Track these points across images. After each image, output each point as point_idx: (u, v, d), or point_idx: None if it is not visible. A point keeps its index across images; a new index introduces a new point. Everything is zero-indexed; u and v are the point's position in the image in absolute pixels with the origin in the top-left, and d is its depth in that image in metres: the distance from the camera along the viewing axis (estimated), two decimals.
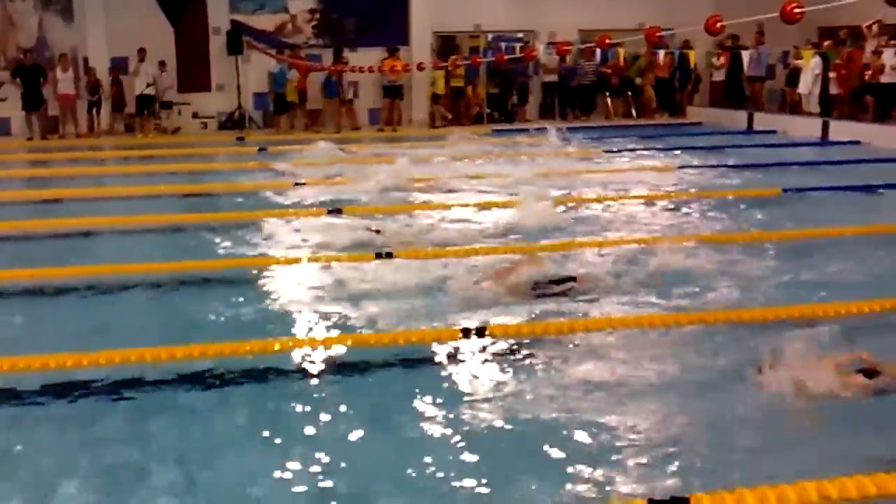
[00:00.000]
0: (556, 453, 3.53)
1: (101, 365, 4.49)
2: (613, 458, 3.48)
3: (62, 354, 4.52)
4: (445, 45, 19.45)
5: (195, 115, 18.70)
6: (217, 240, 7.90)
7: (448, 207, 9.13)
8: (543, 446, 3.57)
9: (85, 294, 6.11)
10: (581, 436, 3.65)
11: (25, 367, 4.54)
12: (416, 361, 4.68)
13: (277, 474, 3.43)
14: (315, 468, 3.49)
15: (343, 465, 3.52)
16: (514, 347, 4.79)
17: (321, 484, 3.37)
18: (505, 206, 9.02)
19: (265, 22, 18.69)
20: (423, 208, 9.31)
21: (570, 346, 4.78)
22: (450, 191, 10.31)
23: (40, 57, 18.28)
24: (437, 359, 4.69)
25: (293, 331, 5.26)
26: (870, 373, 4.06)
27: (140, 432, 3.85)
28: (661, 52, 18.88)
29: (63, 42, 18.43)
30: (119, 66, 18.30)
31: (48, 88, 18.06)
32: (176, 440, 3.79)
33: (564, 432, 3.68)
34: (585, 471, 3.37)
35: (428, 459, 3.48)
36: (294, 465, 3.50)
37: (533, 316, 5.33)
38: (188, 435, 3.86)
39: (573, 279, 5.80)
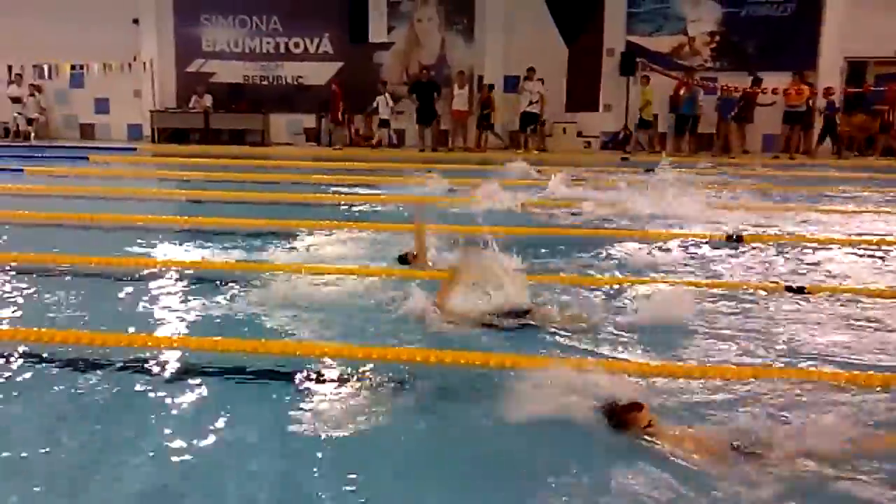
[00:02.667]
0: None
1: None
2: None
3: None
4: (855, 71, 20.07)
5: (580, 135, 20.48)
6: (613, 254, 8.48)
7: None
8: None
9: None
10: None
11: None
12: None
13: None
14: None
15: None
16: None
17: None
18: None
19: (661, 44, 20.32)
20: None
21: None
22: None
23: (439, 74, 20.89)
24: None
25: None
26: None
27: None
28: None
29: (461, 60, 20.99)
30: (511, 85, 20.55)
31: (441, 104, 20.56)
32: None
33: None
34: None
35: None
36: None
37: None
38: None
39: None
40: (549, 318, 5.72)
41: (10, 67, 21.36)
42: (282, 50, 21.58)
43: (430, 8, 21.03)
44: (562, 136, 20.46)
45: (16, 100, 21.65)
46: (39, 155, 18.84)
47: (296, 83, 21.38)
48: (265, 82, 21.63)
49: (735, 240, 9.03)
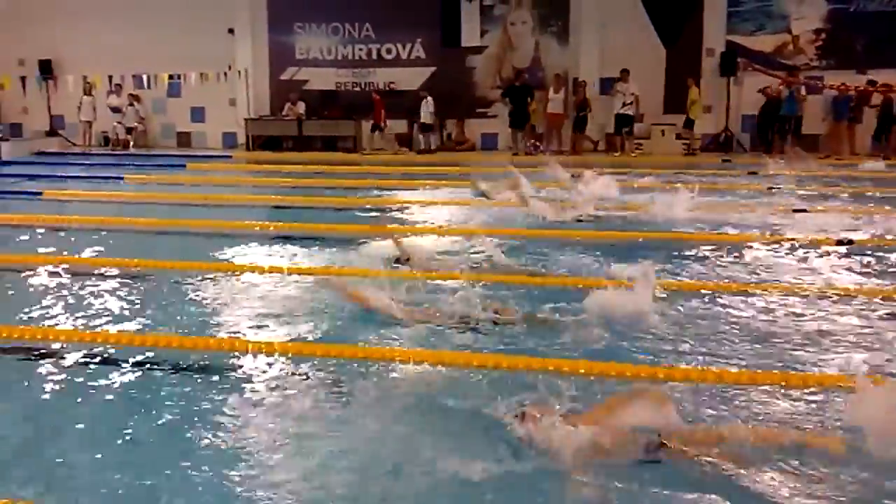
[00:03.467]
0: None
1: None
2: None
3: None
4: None
5: (678, 137, 20.43)
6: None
7: None
8: None
9: None
10: None
11: None
12: None
13: None
14: None
15: None
16: None
17: None
18: None
19: (763, 43, 20.17)
20: None
21: None
22: None
23: (533, 77, 21.13)
24: None
25: None
26: None
27: None
28: None
29: (556, 63, 21.19)
30: (606, 87, 20.64)
31: (535, 107, 20.77)
32: None
33: None
34: None
35: None
36: None
37: None
38: None
39: None
40: None
41: (110, 78, 22.38)
42: (374, 56, 22.12)
43: (524, 11, 21.31)
44: (660, 139, 20.43)
45: (116, 109, 22.67)
46: (138, 163, 19.72)
47: (388, 89, 21.84)
48: (357, 88, 22.19)
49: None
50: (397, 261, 8.11)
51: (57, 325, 6.57)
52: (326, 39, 22.24)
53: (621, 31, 20.49)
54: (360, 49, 22.17)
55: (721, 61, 20.16)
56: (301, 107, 21.92)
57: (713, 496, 3.66)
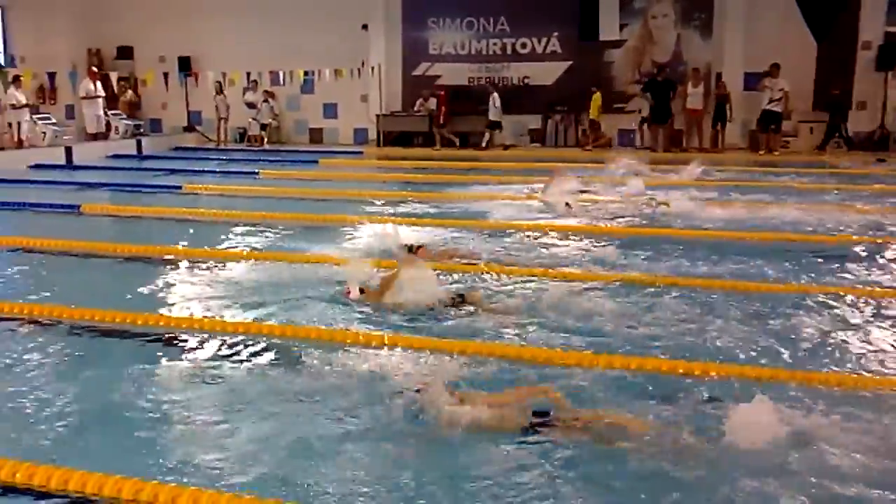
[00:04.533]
0: None
1: None
2: None
3: None
4: None
5: (832, 135, 19.98)
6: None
7: None
8: None
9: None
10: None
11: None
12: None
13: None
14: None
15: None
16: None
17: None
18: None
19: None
20: None
21: None
22: None
23: (673, 72, 21.07)
24: None
25: None
26: None
27: None
28: None
29: (698, 57, 21.09)
30: (750, 82, 20.39)
31: (676, 103, 20.69)
32: None
33: None
34: None
35: None
36: None
37: None
38: None
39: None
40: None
41: (248, 74, 23.43)
42: (508, 51, 22.47)
43: (666, 4, 21.32)
44: (808, 136, 20.06)
45: (251, 106, 23.68)
46: (272, 159, 20.55)
47: (522, 84, 22.13)
48: (491, 84, 22.55)
49: None
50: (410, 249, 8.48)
51: (192, 313, 6.93)
52: (460, 34, 22.72)
53: (769, 23, 20.27)
54: (494, 44, 22.56)
55: (878, 55, 19.66)
56: (433, 103, 22.42)
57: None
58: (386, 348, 5.86)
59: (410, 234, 9.73)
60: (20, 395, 5.15)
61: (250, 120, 23.74)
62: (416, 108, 22.80)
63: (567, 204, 11.83)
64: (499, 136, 21.93)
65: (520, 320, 6.47)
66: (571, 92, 21.33)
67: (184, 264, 8.72)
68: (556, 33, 22.03)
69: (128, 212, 12.48)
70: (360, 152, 22.21)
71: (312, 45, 22.62)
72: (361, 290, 7.08)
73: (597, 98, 21.14)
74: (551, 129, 22.13)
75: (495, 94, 21.51)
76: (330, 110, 24.01)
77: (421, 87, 22.74)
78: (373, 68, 23.02)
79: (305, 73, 23.14)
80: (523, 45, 22.38)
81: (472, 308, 6.73)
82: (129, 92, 24.41)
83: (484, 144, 21.85)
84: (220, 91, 23.71)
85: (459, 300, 6.82)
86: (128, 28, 24.76)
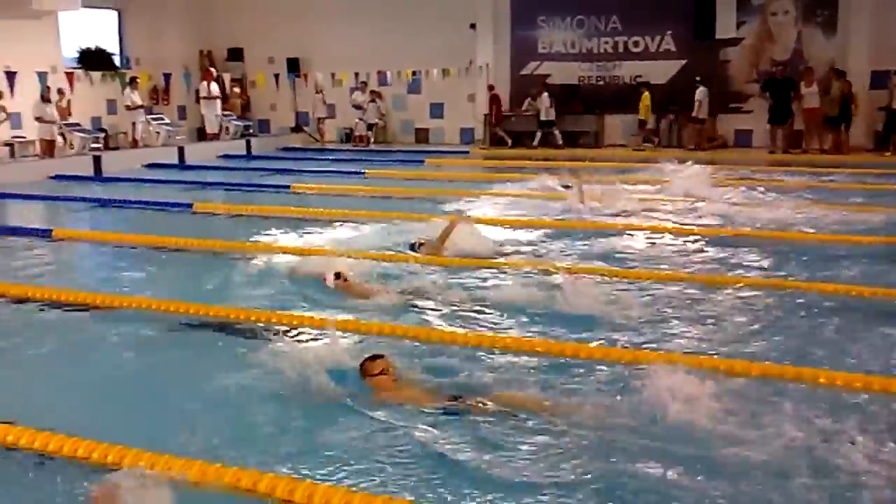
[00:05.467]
0: None
1: None
2: None
3: None
4: None
5: None
6: None
7: None
8: None
9: None
10: None
11: None
12: None
13: None
14: None
15: None
16: None
17: None
18: None
19: None
20: None
21: None
22: None
23: (793, 70, 20.71)
24: None
25: None
26: None
27: None
28: None
29: (820, 55, 20.71)
30: (878, 82, 19.90)
31: (796, 103, 20.33)
32: None
33: None
34: None
35: None
36: None
37: None
38: None
39: None
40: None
41: (356, 74, 24.02)
42: (620, 49, 22.49)
43: (787, 0, 20.97)
44: None
45: (358, 106, 24.24)
46: (378, 159, 21.00)
47: (633, 83, 22.10)
48: (601, 83, 22.62)
49: None
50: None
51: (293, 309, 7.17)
52: (570, 33, 22.84)
53: None
54: (606, 42, 22.61)
55: None
56: (543, 100, 22.55)
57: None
58: None
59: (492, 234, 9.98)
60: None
61: (357, 120, 24.30)
62: (524, 108, 22.98)
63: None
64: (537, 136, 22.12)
65: None
66: (685, 91, 21.16)
67: (295, 261, 8.99)
68: (669, 31, 21.95)
69: (238, 210, 13.01)
70: (467, 152, 22.50)
71: (420, 44, 23.08)
72: (337, 277, 7.46)
73: (645, 98, 21.26)
74: (664, 128, 21.99)
75: (545, 95, 21.93)
76: (436, 110, 24.42)
77: (529, 86, 22.94)
78: (480, 67, 23.29)
79: (413, 73, 23.59)
80: (636, 44, 22.37)
81: None
82: (237, 90, 25.22)
83: (535, 143, 22.34)
84: (317, 90, 24.38)
85: None
86: (238, 30, 25.67)
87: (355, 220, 11.47)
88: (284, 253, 9.37)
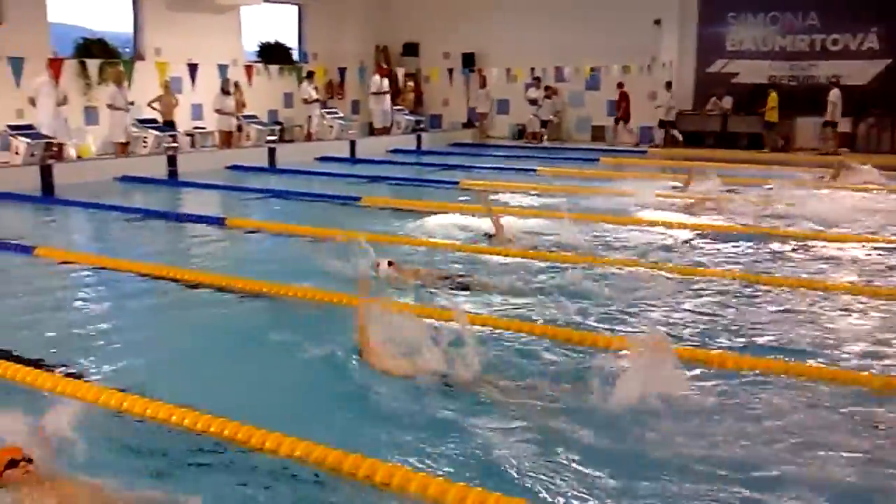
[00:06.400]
0: None
1: None
2: None
3: None
4: None
5: None
6: None
7: None
8: None
9: None
10: None
11: None
12: None
13: None
14: None
15: None
16: None
17: None
18: None
19: None
20: None
21: None
22: None
23: None
24: None
25: None
26: None
27: None
28: None
29: None
30: None
31: None
32: None
33: None
34: None
35: None
36: None
37: None
38: None
39: None
40: None
41: (531, 70, 23.86)
42: (817, 48, 21.41)
43: None
44: None
45: (532, 102, 24.09)
46: (551, 156, 20.74)
47: (829, 83, 20.89)
48: (793, 83, 21.57)
49: None
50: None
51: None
52: (762, 30, 21.93)
53: None
54: (801, 40, 21.57)
55: None
56: (727, 102, 21.82)
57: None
58: None
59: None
60: None
61: (530, 116, 24.16)
62: (708, 107, 22.20)
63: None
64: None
65: None
66: (890, 93, 19.83)
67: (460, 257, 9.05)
68: (873, 29, 20.65)
69: (405, 205, 13.07)
70: (645, 151, 21.97)
71: (600, 40, 22.76)
72: (389, 263, 7.76)
73: (773, 98, 20.40)
74: (863, 132, 20.72)
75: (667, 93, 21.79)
76: (614, 107, 23.92)
77: (715, 85, 22.20)
78: (663, 64, 22.68)
79: (591, 70, 23.24)
80: (834, 42, 21.21)
81: None
82: (410, 84, 25.53)
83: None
84: (483, 85, 24.40)
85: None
86: (415, 25, 26.06)
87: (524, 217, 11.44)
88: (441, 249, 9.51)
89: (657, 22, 22.69)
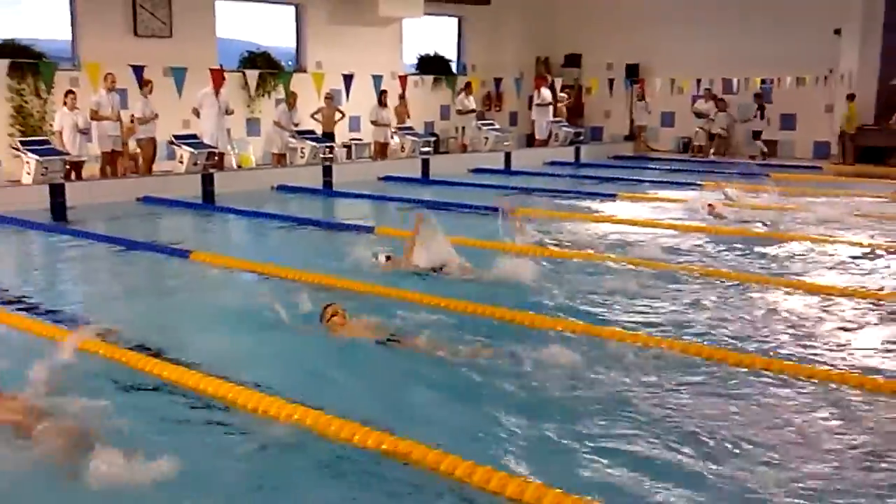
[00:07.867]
0: None
1: None
2: None
3: None
4: None
5: None
6: None
7: None
8: None
9: None
10: None
11: None
12: None
13: None
14: None
15: None
16: None
17: None
18: None
19: None
20: None
21: None
22: None
23: None
24: None
25: None
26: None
27: None
28: None
29: None
30: None
31: None
32: None
33: None
34: None
35: None
36: None
37: None
38: None
39: None
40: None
41: (698, 81, 23.45)
42: None
43: None
44: None
45: (700, 114, 23.62)
46: (718, 170, 20.15)
47: None
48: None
49: None
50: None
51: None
52: None
53: None
54: None
55: None
56: None
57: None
58: None
59: None
60: None
61: (697, 129, 23.73)
62: (891, 122, 21.22)
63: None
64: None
65: None
66: None
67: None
68: None
69: (556, 217, 13.18)
70: (819, 167, 21.18)
71: (771, 50, 22.16)
72: (387, 258, 9.14)
73: (851, 108, 19.68)
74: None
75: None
76: (788, 121, 23.26)
77: None
78: (842, 76, 21.83)
79: (762, 82, 22.65)
80: None
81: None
82: (564, 95, 25.40)
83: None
84: (641, 97, 24.14)
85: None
86: (578, 36, 26.11)
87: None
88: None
89: (837, 31, 21.85)
